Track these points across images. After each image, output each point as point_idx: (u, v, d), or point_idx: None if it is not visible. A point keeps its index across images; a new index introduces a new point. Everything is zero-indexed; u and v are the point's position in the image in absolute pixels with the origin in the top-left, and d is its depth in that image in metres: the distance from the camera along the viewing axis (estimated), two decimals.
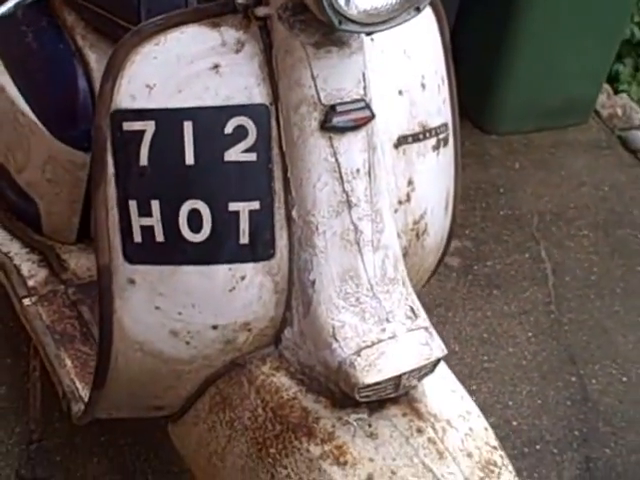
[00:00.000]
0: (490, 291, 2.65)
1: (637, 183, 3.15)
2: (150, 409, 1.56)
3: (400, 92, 1.40)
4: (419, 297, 1.35)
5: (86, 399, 1.62)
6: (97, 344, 1.42)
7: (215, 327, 1.35)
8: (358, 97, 1.26)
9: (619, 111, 3.42)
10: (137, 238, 1.30)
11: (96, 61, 1.77)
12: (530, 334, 2.54)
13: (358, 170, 1.28)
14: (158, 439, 2.08)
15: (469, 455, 1.29)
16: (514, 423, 2.29)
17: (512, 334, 2.53)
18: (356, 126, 1.26)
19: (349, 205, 1.28)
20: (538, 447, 2.24)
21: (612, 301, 2.68)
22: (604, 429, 2.31)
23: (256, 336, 1.37)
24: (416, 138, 1.42)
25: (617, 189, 3.10)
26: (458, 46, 3.06)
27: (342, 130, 1.26)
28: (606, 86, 3.53)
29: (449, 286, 2.65)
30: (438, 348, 1.30)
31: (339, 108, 1.25)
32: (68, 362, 1.74)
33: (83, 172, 1.80)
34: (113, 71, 1.24)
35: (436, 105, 1.46)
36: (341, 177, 1.27)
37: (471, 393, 1.40)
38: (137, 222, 1.29)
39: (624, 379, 2.45)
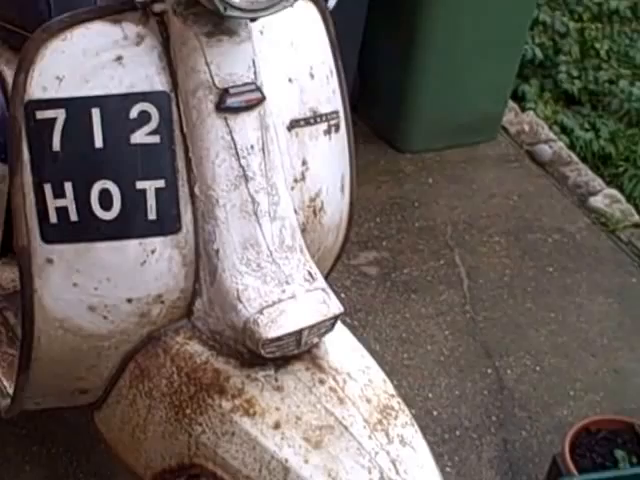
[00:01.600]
0: (408, 296, 2.78)
1: (545, 192, 3.32)
2: (75, 393, 1.64)
3: (290, 80, 1.54)
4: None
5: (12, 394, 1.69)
6: (20, 327, 1.52)
7: (130, 300, 1.46)
8: (249, 81, 1.40)
9: (526, 127, 3.60)
10: (53, 219, 1.41)
11: (11, 76, 1.86)
12: (447, 332, 2.67)
13: (252, 147, 1.41)
14: (88, 445, 2.15)
15: (368, 401, 1.41)
16: (434, 413, 2.41)
17: (430, 333, 2.66)
18: (248, 106, 1.40)
19: (246, 179, 1.41)
20: (458, 433, 2.36)
21: (524, 299, 2.82)
22: (520, 414, 2.43)
23: (169, 308, 1.48)
24: (308, 122, 1.56)
25: (526, 198, 3.26)
26: (367, 69, 3.27)
27: (236, 110, 1.39)
28: (514, 105, 3.72)
29: (369, 293, 2.77)
30: (335, 306, 1.43)
31: (232, 90, 1.39)
32: None
33: (3, 184, 1.87)
34: (25, 65, 1.37)
35: (325, 94, 1.60)
36: (237, 153, 1.40)
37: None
38: (52, 204, 1.40)
39: (537, 368, 2.58)
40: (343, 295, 2.71)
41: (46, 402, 1.69)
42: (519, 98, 3.82)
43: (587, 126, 3.80)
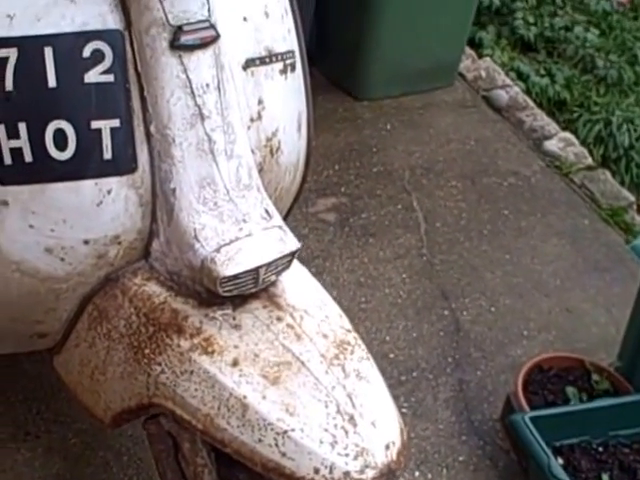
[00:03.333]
0: (366, 240, 2.79)
1: (501, 137, 3.34)
2: (34, 338, 1.63)
3: (245, 18, 1.53)
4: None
5: None
6: None
7: (87, 242, 1.45)
8: (203, 18, 1.39)
9: (483, 73, 3.62)
10: (7, 160, 1.39)
11: None
12: (404, 275, 2.69)
13: (208, 85, 1.40)
14: (48, 394, 2.15)
15: (325, 336, 1.43)
16: (391, 355, 2.43)
17: (387, 277, 2.68)
18: (203, 44, 1.39)
19: (202, 117, 1.41)
20: (414, 374, 2.39)
21: (480, 242, 2.86)
22: (475, 354, 2.47)
23: (126, 249, 1.48)
24: (263, 61, 1.55)
25: (482, 143, 3.29)
26: (322, 20, 3.25)
27: (190, 48, 1.38)
28: (470, 52, 3.73)
29: (326, 239, 2.78)
30: (292, 243, 1.44)
31: (186, 28, 1.38)
32: None
33: None
34: None
35: (281, 33, 1.60)
36: (192, 92, 1.40)
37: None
38: (6, 145, 1.38)
39: (492, 309, 2.62)
40: (301, 243, 2.69)
41: (4, 347, 1.69)
42: (476, 45, 3.83)
43: (543, 72, 3.83)
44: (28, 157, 1.39)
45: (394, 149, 3.19)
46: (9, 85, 1.37)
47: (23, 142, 1.38)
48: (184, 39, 1.37)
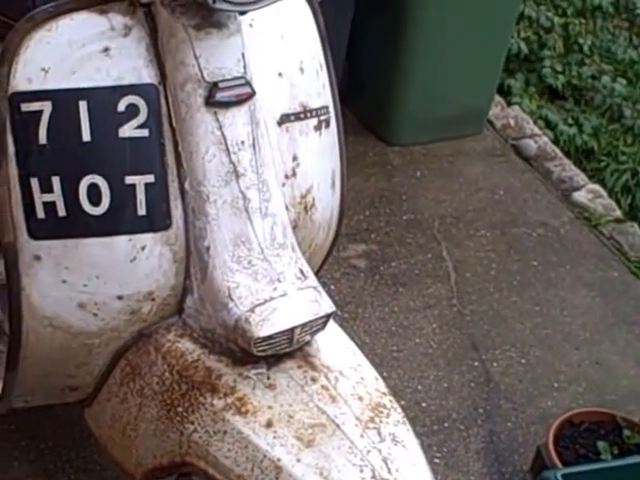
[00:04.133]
0: (396, 289, 2.78)
1: (530, 187, 3.32)
2: (65, 391, 1.62)
3: (280, 74, 1.53)
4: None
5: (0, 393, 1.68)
6: (8, 325, 1.50)
7: (120, 297, 1.44)
8: (239, 75, 1.38)
9: (512, 122, 3.61)
10: (40, 214, 1.39)
11: None
12: (435, 325, 2.67)
13: (243, 142, 1.40)
14: (78, 440, 2.13)
15: (360, 399, 1.40)
16: (423, 404, 2.41)
17: (418, 326, 2.66)
18: (238, 101, 1.39)
19: (237, 175, 1.40)
20: (446, 424, 2.36)
21: (510, 293, 2.83)
22: (506, 405, 2.44)
23: (160, 305, 1.47)
24: (298, 117, 1.55)
25: (511, 193, 3.27)
26: (355, 63, 3.26)
27: (226, 105, 1.38)
28: (500, 99, 3.72)
29: (357, 285, 2.76)
30: (327, 305, 1.42)
31: (221, 85, 1.37)
32: None
33: None
34: (8, 56, 1.34)
35: (315, 88, 1.59)
36: (227, 149, 1.39)
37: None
38: (39, 199, 1.38)
39: (523, 361, 2.59)
40: (333, 287, 2.71)
41: (35, 400, 1.67)
42: (505, 92, 3.82)
43: (570, 121, 3.81)
44: (62, 211, 1.39)
45: (424, 197, 3.18)
46: (43, 138, 1.36)
47: (57, 196, 1.38)
48: (220, 96, 1.37)
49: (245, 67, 1.39)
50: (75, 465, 2.11)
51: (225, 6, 1.29)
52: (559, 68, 4.01)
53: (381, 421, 1.37)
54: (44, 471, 2.10)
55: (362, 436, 1.34)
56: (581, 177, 3.40)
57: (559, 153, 3.52)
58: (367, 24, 3.21)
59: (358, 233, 2.96)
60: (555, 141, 3.64)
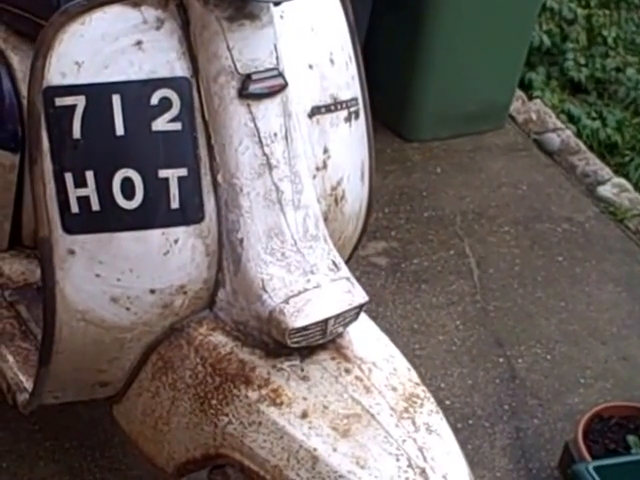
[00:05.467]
0: (418, 286, 2.77)
1: (553, 181, 3.30)
2: (95, 387, 1.62)
3: (310, 66, 1.53)
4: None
5: (30, 389, 1.67)
6: (42, 319, 1.50)
7: (153, 291, 1.44)
8: (271, 66, 1.38)
9: (534, 116, 3.59)
10: (74, 209, 1.39)
11: (19, 62, 1.83)
12: (458, 322, 2.66)
13: (276, 134, 1.40)
14: (102, 440, 2.14)
15: (394, 389, 1.40)
16: (447, 402, 2.40)
17: (441, 323, 2.65)
18: (271, 93, 1.39)
19: (269, 167, 1.40)
20: (471, 422, 2.35)
21: (534, 289, 2.82)
22: (532, 402, 2.43)
23: (192, 299, 1.47)
24: (328, 109, 1.54)
25: (535, 188, 3.25)
26: (372, 59, 3.25)
27: (259, 97, 1.38)
28: (521, 93, 3.69)
29: (378, 283, 2.75)
30: (360, 295, 1.42)
31: (254, 76, 1.37)
32: (10, 358, 1.79)
33: (12, 174, 1.84)
34: (43, 50, 1.34)
35: (345, 80, 1.59)
36: (260, 141, 1.39)
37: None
38: (73, 193, 1.38)
39: (548, 357, 2.58)
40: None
41: (66, 396, 1.68)
42: (526, 86, 3.79)
43: (594, 115, 3.78)
44: (95, 206, 1.39)
45: (445, 193, 3.16)
46: (77, 133, 1.37)
47: (90, 191, 1.38)
48: (253, 88, 1.37)
49: (278, 58, 1.39)
50: (100, 464, 2.11)
51: None
52: (582, 61, 3.97)
53: (415, 411, 1.38)
54: (70, 470, 2.10)
55: (397, 426, 1.34)
56: (606, 171, 3.38)
57: (583, 147, 3.50)
58: (384, 19, 3.20)
59: (378, 230, 2.95)
60: (578, 135, 3.61)
